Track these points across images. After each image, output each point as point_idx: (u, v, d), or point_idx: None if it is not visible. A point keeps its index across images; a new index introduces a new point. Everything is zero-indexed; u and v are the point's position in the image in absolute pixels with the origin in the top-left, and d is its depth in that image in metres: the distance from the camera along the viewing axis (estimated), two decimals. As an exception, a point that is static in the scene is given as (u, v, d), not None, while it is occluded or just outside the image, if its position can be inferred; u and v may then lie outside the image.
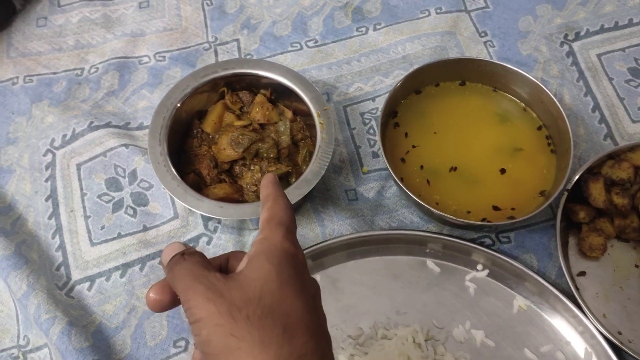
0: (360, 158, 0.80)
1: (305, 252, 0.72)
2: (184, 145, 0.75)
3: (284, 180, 0.72)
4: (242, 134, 0.71)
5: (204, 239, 0.75)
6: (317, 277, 0.73)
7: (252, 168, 0.72)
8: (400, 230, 0.75)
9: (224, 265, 0.46)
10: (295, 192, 0.68)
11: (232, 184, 0.72)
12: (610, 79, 0.85)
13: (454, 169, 0.75)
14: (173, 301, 0.43)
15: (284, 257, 0.41)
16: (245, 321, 0.37)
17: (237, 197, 0.71)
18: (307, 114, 0.74)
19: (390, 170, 0.70)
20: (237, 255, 0.46)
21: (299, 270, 0.42)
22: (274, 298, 0.39)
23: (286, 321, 0.38)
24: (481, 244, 0.74)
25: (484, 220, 0.71)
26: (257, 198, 0.70)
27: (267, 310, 0.38)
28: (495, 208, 0.72)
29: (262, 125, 0.75)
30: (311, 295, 0.41)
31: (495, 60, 0.79)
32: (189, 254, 0.43)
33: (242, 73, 0.76)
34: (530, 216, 0.68)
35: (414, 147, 0.77)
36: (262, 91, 0.77)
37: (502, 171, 0.74)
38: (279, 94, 0.77)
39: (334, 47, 0.90)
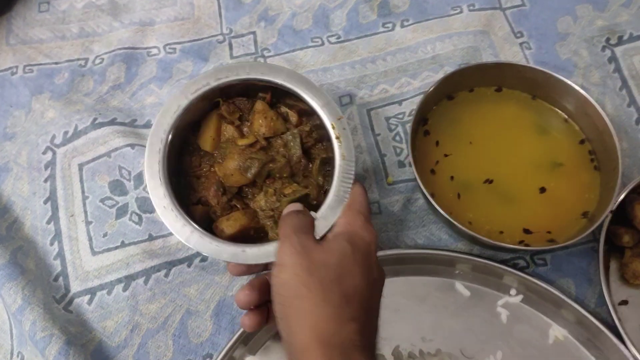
0: (386, 167, 0.74)
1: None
2: (181, 165, 0.66)
3: (304, 202, 0.63)
4: (251, 158, 0.63)
5: (215, 251, 0.69)
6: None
7: (264, 190, 0.64)
8: (426, 249, 0.69)
9: None
10: (322, 224, 0.58)
11: (246, 210, 0.63)
12: (655, 89, 0.79)
13: (489, 181, 0.69)
14: (259, 300, 0.54)
15: (360, 242, 0.50)
16: (319, 279, 0.46)
17: (253, 225, 0.63)
18: (311, 113, 0.65)
19: (421, 185, 0.65)
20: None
21: (368, 256, 0.50)
22: (345, 270, 0.48)
23: (347, 291, 0.46)
24: (514, 265, 0.69)
25: (521, 243, 0.65)
26: (275, 224, 0.62)
27: (337, 277, 0.47)
28: (527, 231, 0.66)
29: (267, 139, 0.66)
30: (373, 279, 0.50)
31: (535, 66, 0.72)
32: (303, 213, 0.54)
33: (239, 80, 0.65)
34: (574, 241, 0.62)
35: (445, 155, 0.70)
36: (260, 95, 0.68)
37: (542, 190, 0.68)
38: (278, 95, 0.68)
39: (358, 44, 0.83)
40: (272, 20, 0.86)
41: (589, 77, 0.80)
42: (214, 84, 0.65)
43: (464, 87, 0.74)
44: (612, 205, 0.64)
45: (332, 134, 0.62)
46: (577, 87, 0.69)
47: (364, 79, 0.81)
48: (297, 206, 0.55)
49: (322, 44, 0.84)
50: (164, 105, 0.62)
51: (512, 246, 0.63)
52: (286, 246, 0.49)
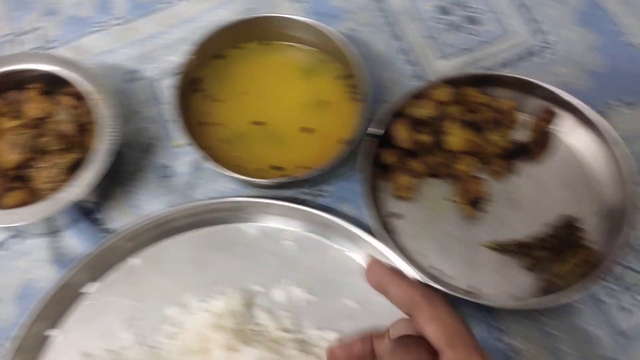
0: (172, 132, 0.78)
1: (119, 236, 0.69)
2: None
3: (78, 167, 0.68)
4: (19, 134, 0.67)
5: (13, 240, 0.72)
6: (137, 260, 0.70)
7: (42, 165, 0.68)
8: (214, 199, 0.73)
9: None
10: (91, 175, 0.65)
11: (26, 190, 0.67)
12: (419, 20, 0.85)
13: (258, 123, 0.74)
14: None
15: None
16: None
17: (36, 200, 0.67)
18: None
19: (187, 140, 0.69)
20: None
21: None
22: None
23: None
24: (302, 202, 0.74)
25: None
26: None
27: None
28: (277, 168, 0.71)
29: (41, 120, 0.70)
30: None
31: (289, 16, 0.77)
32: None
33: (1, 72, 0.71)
34: (331, 167, 0.68)
35: (215, 101, 0.75)
36: (31, 86, 0.72)
37: (307, 130, 0.73)
38: (54, 85, 0.73)
39: (141, 23, 0.87)
40: (57, 12, 0.88)
41: (358, 19, 0.86)
42: None
43: (231, 45, 0.79)
44: (364, 129, 0.70)
45: (96, 97, 0.69)
46: (328, 28, 0.75)
47: (149, 54, 0.84)
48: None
49: (106, 28, 0.86)
50: None
51: (265, 181, 0.68)
52: None
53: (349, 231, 0.69)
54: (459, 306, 0.67)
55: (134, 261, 0.70)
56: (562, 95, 0.74)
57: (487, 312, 0.68)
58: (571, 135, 0.75)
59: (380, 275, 0.43)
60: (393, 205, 0.73)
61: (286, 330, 0.65)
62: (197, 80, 0.76)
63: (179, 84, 0.72)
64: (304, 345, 0.64)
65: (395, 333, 0.43)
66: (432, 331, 0.38)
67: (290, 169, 0.71)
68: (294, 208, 0.70)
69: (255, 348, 0.61)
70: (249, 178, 0.68)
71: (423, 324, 0.38)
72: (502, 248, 0.68)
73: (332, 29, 0.75)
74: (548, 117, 0.74)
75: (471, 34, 0.84)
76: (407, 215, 0.72)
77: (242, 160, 0.72)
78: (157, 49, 0.84)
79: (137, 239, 0.71)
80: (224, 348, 0.61)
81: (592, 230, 0.69)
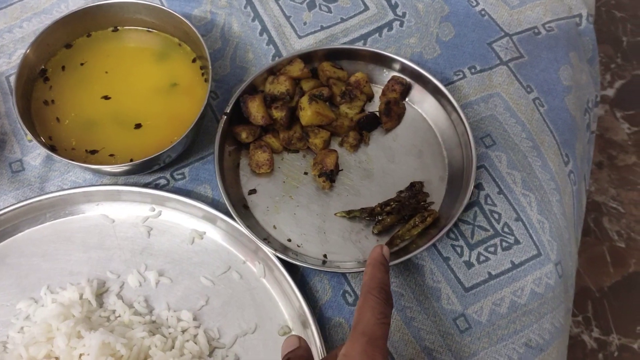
0: (23, 127, 0.76)
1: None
2: None
3: None
4: None
5: None
6: (-16, 258, 0.69)
7: None
8: (63, 190, 0.71)
9: None
10: None
11: None
12: (277, 0, 0.86)
13: (107, 98, 0.74)
14: None
15: None
16: None
17: None
18: None
19: (24, 130, 0.67)
20: None
21: None
22: None
23: None
24: (156, 186, 0.73)
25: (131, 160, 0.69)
26: None
27: None
28: (93, 152, 0.70)
29: None
30: None
31: (140, 1, 0.76)
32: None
33: None
34: (173, 146, 0.67)
35: (63, 90, 0.74)
36: None
37: (138, 126, 0.72)
38: None
39: (-7, 18, 0.84)
40: None
41: (217, 2, 0.85)
42: None
43: (80, 33, 0.77)
44: (229, 108, 0.70)
45: None
46: (173, 12, 0.74)
47: (1, 49, 0.82)
48: (290, 343, 0.51)
49: (-43, 26, 0.84)
50: None
51: (114, 168, 0.68)
52: None
53: (202, 211, 0.70)
54: (315, 276, 0.69)
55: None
56: (410, 65, 0.76)
57: (344, 279, 0.69)
58: (421, 104, 0.77)
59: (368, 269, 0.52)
60: (249, 181, 0.73)
61: (137, 314, 0.65)
62: (43, 72, 0.75)
63: (20, 77, 0.70)
64: (153, 326, 0.64)
65: None
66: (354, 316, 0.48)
67: (121, 156, 0.71)
68: (144, 193, 0.70)
69: (101, 333, 0.60)
70: (94, 166, 0.67)
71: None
72: (351, 216, 0.70)
73: (175, 12, 0.74)
74: (397, 87, 0.76)
75: (328, 12, 0.85)
76: (261, 190, 0.73)
77: (93, 147, 0.71)
78: (8, 43, 0.83)
79: (-16, 236, 0.69)
80: (67, 335, 0.60)
81: (436, 193, 0.71)
